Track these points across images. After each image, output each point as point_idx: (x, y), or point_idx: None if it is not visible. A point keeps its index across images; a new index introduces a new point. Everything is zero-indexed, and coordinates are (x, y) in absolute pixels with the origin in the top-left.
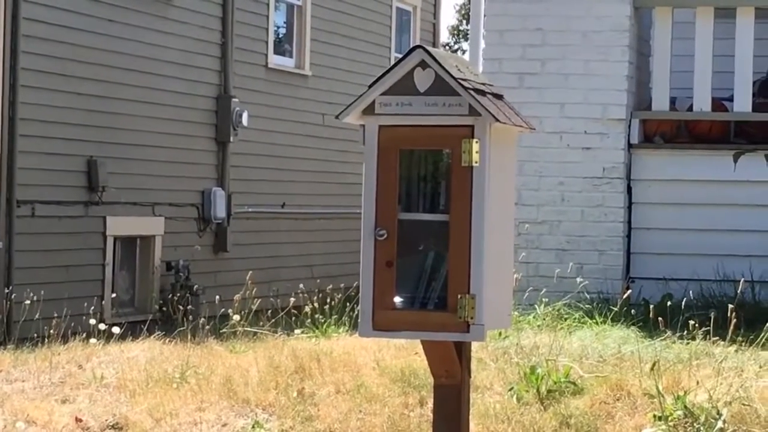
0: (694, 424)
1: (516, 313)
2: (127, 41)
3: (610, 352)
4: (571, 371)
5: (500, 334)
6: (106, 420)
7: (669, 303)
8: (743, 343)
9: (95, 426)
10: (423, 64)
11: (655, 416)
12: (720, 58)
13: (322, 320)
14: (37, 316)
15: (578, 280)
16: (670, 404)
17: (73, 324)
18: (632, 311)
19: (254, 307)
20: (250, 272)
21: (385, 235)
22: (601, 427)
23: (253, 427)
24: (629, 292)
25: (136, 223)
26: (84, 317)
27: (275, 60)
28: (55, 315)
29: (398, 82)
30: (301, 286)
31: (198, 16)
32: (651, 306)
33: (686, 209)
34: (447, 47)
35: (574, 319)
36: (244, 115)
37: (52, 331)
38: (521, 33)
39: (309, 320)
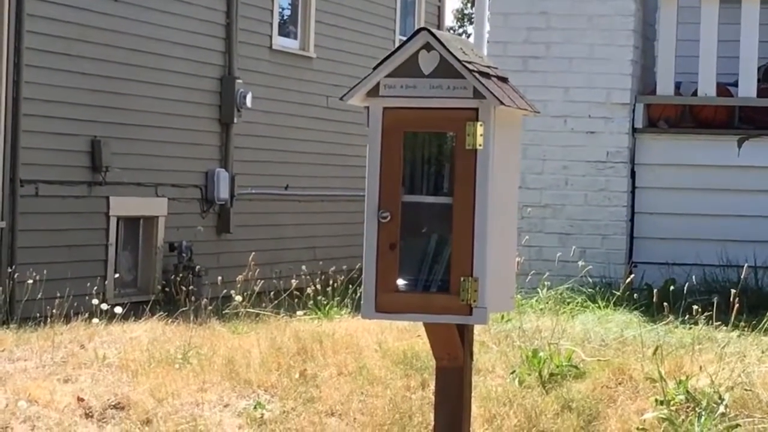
0: (696, 409)
1: (518, 296)
2: (131, 21)
3: (613, 336)
4: (574, 355)
5: (503, 317)
6: (108, 400)
7: (672, 288)
8: (746, 329)
9: (97, 405)
10: (428, 47)
11: (656, 400)
12: (725, 43)
13: (325, 302)
14: (39, 296)
15: (581, 264)
16: (672, 389)
17: (75, 304)
18: (635, 296)
19: (257, 289)
20: (253, 253)
21: (389, 218)
22: (602, 410)
23: (254, 408)
24: (632, 276)
25: (140, 204)
26: (87, 297)
27: (280, 41)
28: (58, 295)
29: (403, 64)
30: (304, 267)
31: None
32: (654, 291)
33: (690, 194)
34: (452, 31)
35: (577, 303)
36: (248, 97)
37: (54, 311)
38: (526, 16)
39: (311, 302)
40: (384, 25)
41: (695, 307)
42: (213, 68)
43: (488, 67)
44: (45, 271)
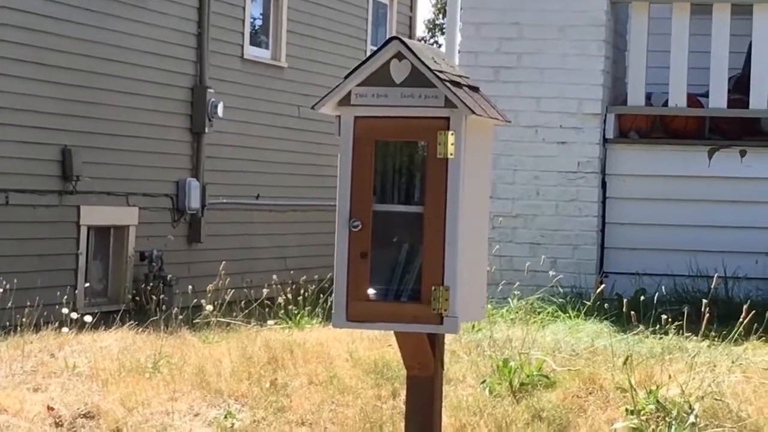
0: (666, 419)
1: (489, 306)
2: (103, 30)
3: (583, 346)
4: (544, 365)
5: (473, 326)
6: (78, 409)
7: (642, 298)
8: (716, 339)
9: (67, 415)
10: (399, 56)
11: (627, 410)
12: (696, 55)
13: (296, 311)
14: (9, 305)
15: (552, 274)
16: (643, 398)
17: (45, 313)
18: (605, 306)
19: (228, 298)
20: (224, 263)
21: (360, 227)
22: (573, 420)
23: (225, 417)
24: (603, 286)
25: (110, 213)
26: (57, 306)
27: (251, 51)
28: (28, 304)
29: (374, 73)
30: (275, 277)
31: (175, 6)
32: (624, 300)
33: (660, 204)
34: (423, 41)
35: (548, 313)
36: (220, 106)
37: (24, 320)
38: (498, 26)
39: (282, 311)
40: (355, 35)
41: (665, 317)
42: (184, 78)
43: (460, 76)
44: (15, 280)
